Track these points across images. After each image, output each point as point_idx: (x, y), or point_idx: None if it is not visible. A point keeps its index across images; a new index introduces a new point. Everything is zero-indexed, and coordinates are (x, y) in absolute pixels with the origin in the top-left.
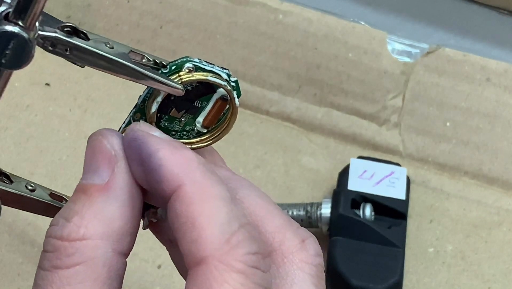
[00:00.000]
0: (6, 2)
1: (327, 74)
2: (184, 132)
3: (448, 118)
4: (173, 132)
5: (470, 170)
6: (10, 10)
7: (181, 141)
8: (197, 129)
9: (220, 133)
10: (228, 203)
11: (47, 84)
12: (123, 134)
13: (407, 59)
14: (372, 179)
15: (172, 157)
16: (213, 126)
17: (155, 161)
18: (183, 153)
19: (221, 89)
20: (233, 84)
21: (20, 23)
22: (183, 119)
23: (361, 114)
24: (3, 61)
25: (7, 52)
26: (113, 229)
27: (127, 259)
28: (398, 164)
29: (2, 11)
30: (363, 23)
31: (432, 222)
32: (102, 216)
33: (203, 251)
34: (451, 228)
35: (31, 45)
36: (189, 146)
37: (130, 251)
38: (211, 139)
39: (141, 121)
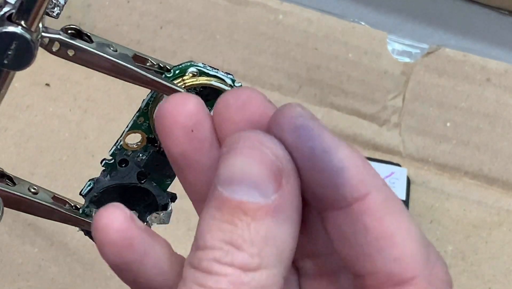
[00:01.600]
0: (9, 3)
1: (327, 75)
2: None
3: (448, 119)
4: None
5: (470, 170)
6: (14, 11)
7: None
8: None
9: None
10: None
11: (47, 84)
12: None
13: (407, 60)
14: None
15: (355, 159)
16: None
17: (336, 162)
18: (360, 154)
19: None
20: None
21: (23, 24)
22: None
23: (361, 114)
24: (5, 61)
25: (9, 52)
26: (286, 255)
27: None
28: (398, 164)
29: (5, 12)
30: (363, 23)
31: (432, 222)
32: (275, 241)
33: (410, 271)
34: (451, 228)
35: (34, 46)
36: None
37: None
38: None
39: (295, 103)
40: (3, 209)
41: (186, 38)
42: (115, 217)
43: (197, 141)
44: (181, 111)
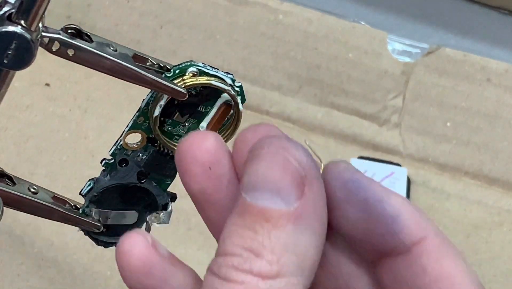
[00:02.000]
0: (9, 3)
1: (327, 75)
2: None
3: (449, 119)
4: (177, 137)
5: (471, 170)
6: (13, 10)
7: None
8: None
9: (224, 139)
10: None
11: (47, 84)
12: (323, 171)
13: (407, 59)
14: None
15: (408, 206)
16: (217, 132)
17: (391, 209)
18: (409, 201)
19: (225, 94)
20: (237, 89)
21: (22, 23)
22: (187, 124)
23: (362, 114)
24: (5, 61)
25: (9, 52)
26: (307, 263)
27: None
28: (398, 164)
29: (5, 12)
30: (363, 23)
31: None
32: (295, 249)
33: None
34: (452, 228)
35: (33, 46)
36: None
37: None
38: None
39: (343, 161)
40: (3, 208)
41: (186, 38)
42: (137, 243)
43: (215, 178)
44: (200, 149)
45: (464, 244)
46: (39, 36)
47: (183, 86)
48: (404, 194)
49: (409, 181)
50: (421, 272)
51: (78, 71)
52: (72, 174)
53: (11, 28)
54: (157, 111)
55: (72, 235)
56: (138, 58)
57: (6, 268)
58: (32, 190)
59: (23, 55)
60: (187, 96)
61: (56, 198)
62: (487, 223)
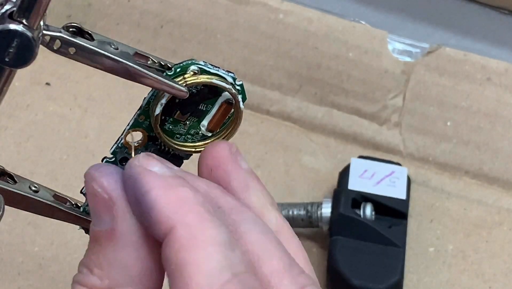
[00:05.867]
0: (10, 1)
1: (328, 74)
2: (189, 136)
3: (449, 118)
4: (178, 136)
5: (471, 170)
6: (15, 8)
7: (186, 144)
8: (201, 133)
9: (225, 137)
10: (223, 248)
11: (48, 83)
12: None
13: (407, 59)
14: (373, 179)
15: (165, 198)
16: (218, 130)
17: (148, 202)
18: (177, 192)
19: (226, 92)
20: (238, 88)
21: (24, 21)
22: (187, 123)
23: (362, 113)
24: (6, 59)
25: (10, 50)
26: (135, 274)
27: None
28: (398, 164)
29: (7, 10)
30: (363, 22)
31: (433, 222)
32: (119, 263)
33: None
34: (452, 228)
35: (35, 44)
36: (193, 149)
37: (161, 285)
38: None
39: (141, 154)
40: (4, 207)
41: (186, 37)
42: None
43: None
44: None
45: (464, 243)
46: (40, 34)
47: (184, 84)
48: (404, 193)
49: (409, 180)
50: (165, 262)
51: (79, 70)
52: (72, 173)
53: (12, 26)
54: (158, 110)
55: (73, 234)
56: (139, 57)
57: (6, 267)
58: (33, 188)
59: (24, 53)
60: (188, 95)
61: (57, 196)
62: (487, 222)
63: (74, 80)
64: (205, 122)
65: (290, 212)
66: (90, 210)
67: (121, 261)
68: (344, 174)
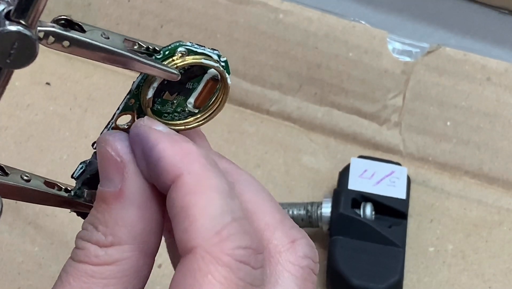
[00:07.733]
0: (4, 1)
1: (328, 74)
2: (176, 114)
3: (449, 118)
4: (165, 115)
5: (471, 169)
6: (11, 8)
7: (175, 122)
8: (188, 110)
9: (212, 112)
10: (225, 196)
11: (48, 83)
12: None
13: (407, 59)
14: (373, 178)
15: (172, 149)
16: (204, 106)
17: (155, 154)
18: (182, 145)
19: (212, 70)
20: (223, 64)
21: (22, 21)
22: (175, 102)
23: (362, 113)
24: (7, 61)
25: (11, 51)
26: (137, 232)
27: None
28: (398, 164)
29: (2, 10)
30: (363, 22)
31: (433, 222)
32: (123, 222)
33: (192, 240)
34: (452, 228)
35: (36, 44)
36: (183, 126)
37: (157, 249)
38: (203, 119)
39: (145, 116)
40: (2, 203)
41: (186, 37)
42: None
43: None
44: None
45: (464, 243)
46: (37, 32)
47: (174, 66)
48: (404, 193)
49: (409, 180)
50: (171, 205)
51: (79, 70)
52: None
53: (12, 27)
54: (150, 93)
55: (73, 234)
56: (127, 43)
57: (6, 267)
58: (25, 177)
59: (25, 53)
60: (180, 77)
61: (47, 183)
62: (487, 222)
63: (74, 80)
64: (191, 100)
65: (290, 212)
66: (100, 172)
67: (126, 220)
68: (344, 174)
